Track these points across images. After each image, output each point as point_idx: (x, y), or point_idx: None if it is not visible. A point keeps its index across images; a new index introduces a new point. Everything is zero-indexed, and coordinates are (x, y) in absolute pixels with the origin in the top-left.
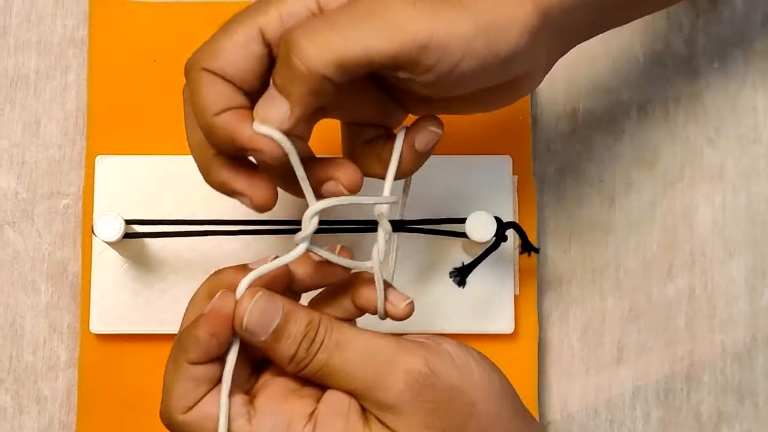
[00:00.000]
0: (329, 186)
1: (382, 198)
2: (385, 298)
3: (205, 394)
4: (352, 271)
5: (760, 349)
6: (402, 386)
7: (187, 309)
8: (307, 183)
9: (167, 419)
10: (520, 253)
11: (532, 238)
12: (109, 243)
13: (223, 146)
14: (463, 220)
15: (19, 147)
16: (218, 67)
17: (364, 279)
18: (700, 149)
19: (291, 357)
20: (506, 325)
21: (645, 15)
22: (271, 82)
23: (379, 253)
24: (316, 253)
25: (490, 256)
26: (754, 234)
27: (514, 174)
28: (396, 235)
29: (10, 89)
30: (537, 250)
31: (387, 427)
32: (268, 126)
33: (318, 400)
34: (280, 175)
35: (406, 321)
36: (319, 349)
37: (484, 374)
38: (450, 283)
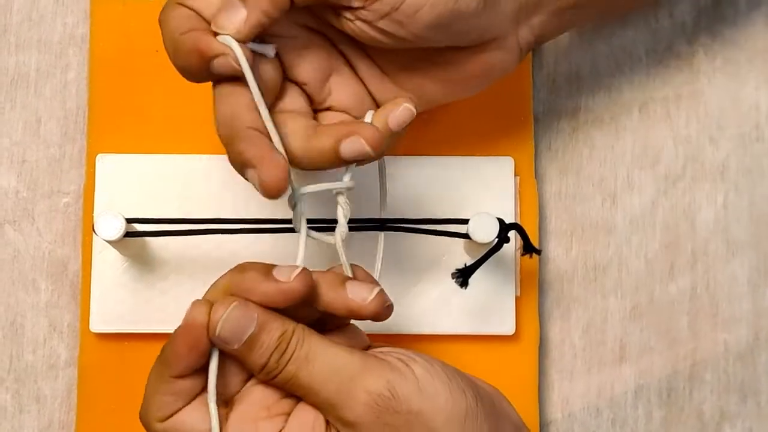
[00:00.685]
0: (352, 142)
1: (338, 184)
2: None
3: (185, 406)
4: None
5: (762, 348)
6: (362, 407)
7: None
8: (260, 98)
9: (145, 424)
10: (522, 254)
11: (534, 239)
12: (109, 242)
13: (190, 62)
14: (465, 221)
15: (19, 145)
16: (188, 1)
17: (327, 278)
18: (703, 148)
19: (262, 366)
20: (507, 327)
21: (617, 14)
22: None
23: (342, 235)
24: (312, 237)
25: (491, 257)
26: (757, 233)
27: (515, 175)
28: (382, 234)
29: (10, 88)
30: (539, 252)
31: None
32: (225, 34)
33: (290, 414)
34: None
35: (407, 322)
36: (289, 360)
37: (451, 398)
38: (450, 284)
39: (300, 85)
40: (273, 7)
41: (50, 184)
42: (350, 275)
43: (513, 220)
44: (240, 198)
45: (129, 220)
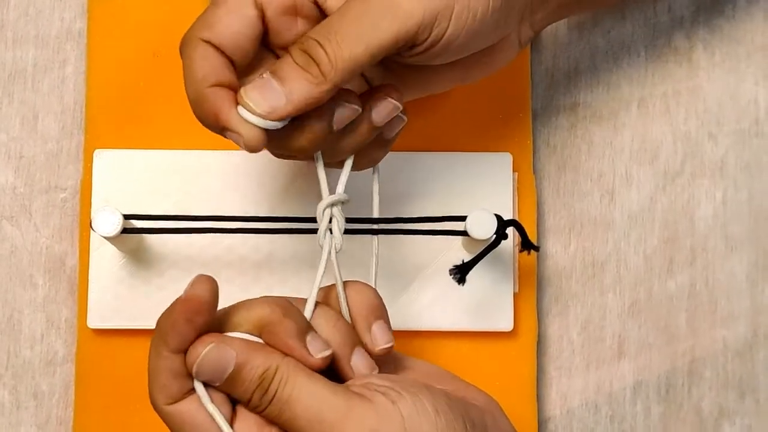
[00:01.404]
0: (383, 107)
1: (333, 197)
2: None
3: (190, 391)
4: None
5: (761, 345)
6: None
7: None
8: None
9: (153, 405)
10: (520, 251)
11: (532, 235)
12: (107, 238)
13: (207, 119)
14: (463, 218)
15: (16, 141)
16: (214, 36)
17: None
18: (701, 144)
19: (247, 401)
20: (505, 323)
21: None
22: (268, 72)
23: (337, 246)
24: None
25: (489, 253)
26: (756, 229)
27: (514, 171)
28: (376, 239)
29: (7, 83)
30: (537, 248)
31: None
32: (252, 114)
33: None
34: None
35: (405, 319)
36: (271, 401)
37: None
38: (449, 280)
39: None
40: (314, 103)
41: (47, 179)
42: (343, 295)
43: (511, 217)
44: (238, 194)
45: (126, 216)
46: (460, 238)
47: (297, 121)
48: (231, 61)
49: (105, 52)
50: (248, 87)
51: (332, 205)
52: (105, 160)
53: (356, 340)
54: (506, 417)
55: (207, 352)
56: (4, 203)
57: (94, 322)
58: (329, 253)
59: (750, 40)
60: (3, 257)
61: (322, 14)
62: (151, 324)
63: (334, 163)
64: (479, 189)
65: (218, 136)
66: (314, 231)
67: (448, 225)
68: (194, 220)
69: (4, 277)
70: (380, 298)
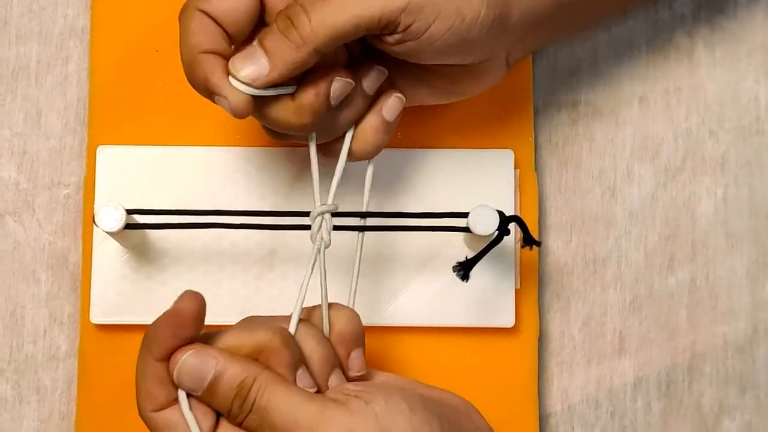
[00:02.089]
0: (393, 103)
1: (324, 207)
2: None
3: (175, 400)
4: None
5: (761, 341)
6: None
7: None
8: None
9: (140, 412)
10: (522, 246)
11: (534, 232)
12: (110, 233)
13: (197, 83)
14: (465, 215)
15: (20, 137)
16: (210, 8)
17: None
18: (702, 141)
19: (227, 412)
20: (507, 319)
21: (606, 20)
22: (256, 40)
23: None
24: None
25: (491, 250)
26: (756, 226)
27: (515, 168)
28: (361, 235)
29: (11, 79)
30: (539, 244)
31: None
32: (239, 81)
33: None
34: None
35: (407, 315)
36: (250, 410)
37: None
38: (450, 276)
39: None
40: (296, 67)
41: (51, 175)
42: (326, 315)
43: (513, 213)
44: (240, 189)
45: (129, 212)
46: (461, 234)
47: (297, 99)
48: (226, 33)
49: (108, 49)
50: (236, 55)
51: (322, 213)
52: (108, 156)
53: (336, 362)
54: (483, 418)
55: (186, 357)
56: (8, 199)
57: (96, 317)
58: (315, 263)
59: (751, 37)
60: (6, 253)
61: None
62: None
63: (330, 153)
64: (481, 185)
65: (221, 132)
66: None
67: (450, 221)
68: (197, 215)
69: (7, 272)
70: (362, 327)
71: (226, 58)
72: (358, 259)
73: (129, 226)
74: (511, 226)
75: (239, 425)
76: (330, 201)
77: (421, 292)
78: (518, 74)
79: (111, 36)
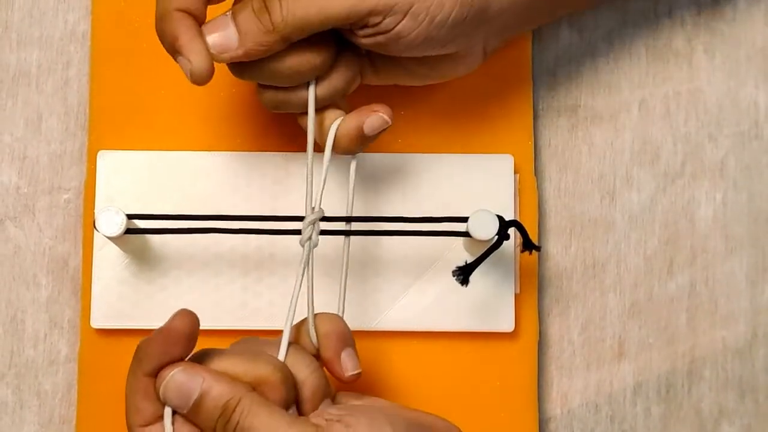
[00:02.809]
0: (374, 119)
1: (312, 215)
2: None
3: (162, 415)
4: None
5: (760, 345)
6: None
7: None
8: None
9: (128, 426)
10: (522, 251)
11: (533, 236)
12: (110, 238)
13: (165, 39)
14: (464, 219)
15: (20, 142)
16: None
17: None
18: (702, 145)
19: (211, 430)
20: (507, 324)
21: (587, 7)
22: (230, 11)
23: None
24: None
25: (490, 255)
26: (756, 230)
27: (515, 172)
28: (348, 240)
29: (12, 84)
30: (538, 248)
31: None
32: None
33: None
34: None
35: (407, 319)
36: (234, 430)
37: None
38: (450, 281)
39: None
40: (263, 51)
41: (51, 180)
42: (312, 321)
43: (513, 218)
44: (241, 195)
45: (130, 217)
46: (461, 239)
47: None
48: None
49: (108, 54)
50: (209, 23)
51: (312, 223)
52: (108, 161)
53: (328, 392)
54: None
55: (174, 374)
56: (8, 204)
57: (97, 321)
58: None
59: (750, 42)
60: (7, 257)
61: None
62: (154, 324)
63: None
64: (481, 190)
65: (221, 136)
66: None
67: (450, 226)
68: (197, 219)
69: (7, 277)
70: (348, 327)
71: (199, 20)
72: (345, 262)
73: (129, 230)
74: (511, 230)
75: None
76: (315, 205)
77: (420, 296)
78: (518, 79)
79: (111, 41)
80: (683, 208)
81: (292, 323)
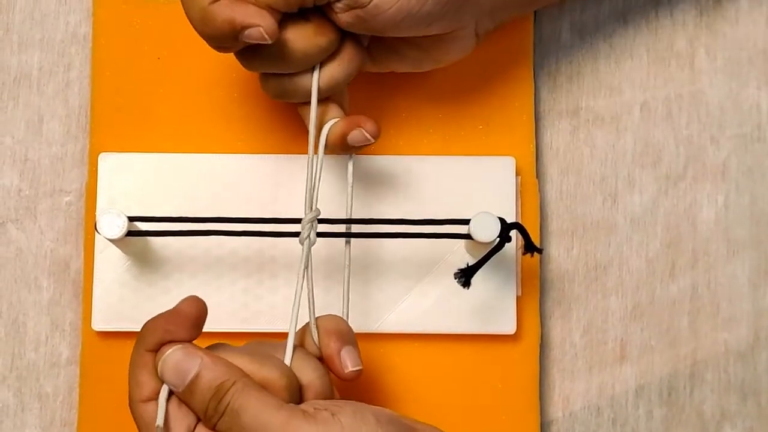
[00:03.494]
0: (356, 134)
1: (310, 214)
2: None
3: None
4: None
5: (763, 348)
6: None
7: None
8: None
9: (129, 401)
10: (523, 253)
11: (535, 239)
12: (111, 240)
13: (221, 31)
14: (466, 221)
15: (22, 144)
16: None
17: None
18: (703, 147)
19: (203, 412)
20: (508, 326)
21: None
22: None
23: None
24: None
25: (492, 257)
26: (758, 233)
27: (517, 175)
28: (349, 243)
29: (13, 86)
30: (540, 251)
31: None
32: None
33: None
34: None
35: (408, 322)
36: (224, 411)
37: None
38: (451, 283)
39: None
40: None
41: (52, 182)
42: (314, 321)
43: (514, 220)
44: (242, 197)
45: (131, 219)
46: (462, 241)
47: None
48: None
49: (110, 56)
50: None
51: (311, 222)
52: (110, 163)
53: (332, 396)
54: None
55: (173, 351)
56: (9, 206)
57: (98, 324)
58: (306, 269)
59: (752, 44)
60: (8, 260)
61: None
62: None
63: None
64: (482, 192)
65: (223, 139)
66: (318, 235)
67: (452, 228)
68: (199, 221)
69: (9, 279)
70: (349, 326)
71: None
72: (347, 264)
73: (131, 233)
74: (513, 233)
75: (213, 428)
76: (313, 206)
77: (422, 299)
78: (519, 81)
79: (113, 43)
80: (685, 210)
81: (296, 322)
